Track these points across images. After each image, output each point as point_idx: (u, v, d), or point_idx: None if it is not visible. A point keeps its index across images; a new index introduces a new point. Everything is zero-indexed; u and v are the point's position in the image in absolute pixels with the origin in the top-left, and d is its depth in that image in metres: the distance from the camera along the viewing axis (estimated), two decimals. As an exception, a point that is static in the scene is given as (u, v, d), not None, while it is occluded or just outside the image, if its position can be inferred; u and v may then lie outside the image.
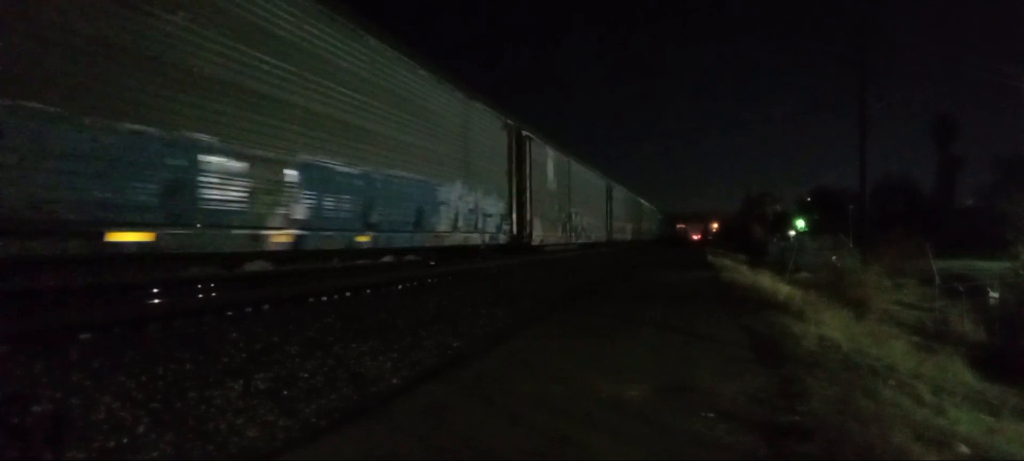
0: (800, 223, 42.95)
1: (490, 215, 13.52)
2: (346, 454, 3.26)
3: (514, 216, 15.11)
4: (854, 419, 3.95)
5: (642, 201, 49.15)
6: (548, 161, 18.45)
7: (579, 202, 23.02)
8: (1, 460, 2.83)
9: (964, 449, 4.25)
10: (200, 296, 6.44)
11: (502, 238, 14.42)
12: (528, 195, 15.90)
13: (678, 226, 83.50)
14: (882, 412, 4.47)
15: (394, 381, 4.64)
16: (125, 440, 3.04)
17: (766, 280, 17.69)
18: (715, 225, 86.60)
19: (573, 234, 22.06)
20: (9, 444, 2.88)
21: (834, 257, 22.05)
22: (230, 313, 5.65)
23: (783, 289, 14.64)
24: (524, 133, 15.88)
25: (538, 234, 16.92)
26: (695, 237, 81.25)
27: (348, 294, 7.68)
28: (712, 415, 3.94)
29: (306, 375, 4.37)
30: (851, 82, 23.48)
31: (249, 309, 5.95)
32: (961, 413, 5.86)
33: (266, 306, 6.15)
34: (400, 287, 8.96)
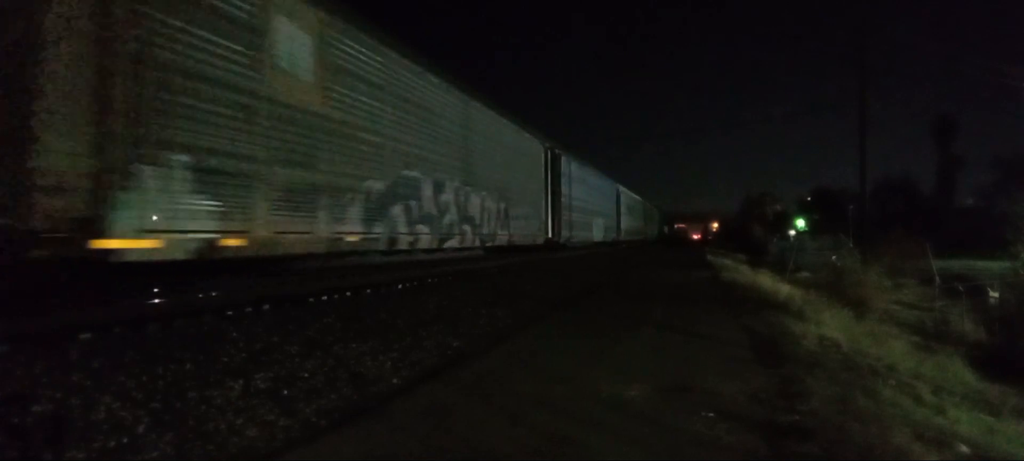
0: (800, 223, 43.00)
1: None
2: (346, 454, 3.26)
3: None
4: (854, 419, 3.95)
5: (623, 189, 35.37)
6: (354, 52, 8.24)
7: (464, 168, 12.42)
8: (1, 460, 2.83)
9: (964, 449, 4.26)
10: (200, 296, 6.43)
11: None
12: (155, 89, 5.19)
13: (678, 226, 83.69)
14: (882, 412, 4.48)
15: (394, 381, 4.63)
16: (125, 440, 3.04)
17: (766, 280, 17.69)
18: (715, 225, 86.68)
19: (442, 227, 11.28)
20: (9, 444, 2.88)
21: (834, 257, 22.02)
22: (230, 313, 5.65)
23: (783, 289, 14.64)
24: None
25: (201, 223, 5.73)
26: (695, 237, 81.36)
27: (348, 294, 7.68)
28: (712, 415, 3.94)
29: (306, 375, 4.37)
30: (851, 82, 23.52)
31: (249, 309, 5.95)
32: (961, 413, 5.87)
33: (266, 306, 6.16)
34: (400, 287, 8.95)
